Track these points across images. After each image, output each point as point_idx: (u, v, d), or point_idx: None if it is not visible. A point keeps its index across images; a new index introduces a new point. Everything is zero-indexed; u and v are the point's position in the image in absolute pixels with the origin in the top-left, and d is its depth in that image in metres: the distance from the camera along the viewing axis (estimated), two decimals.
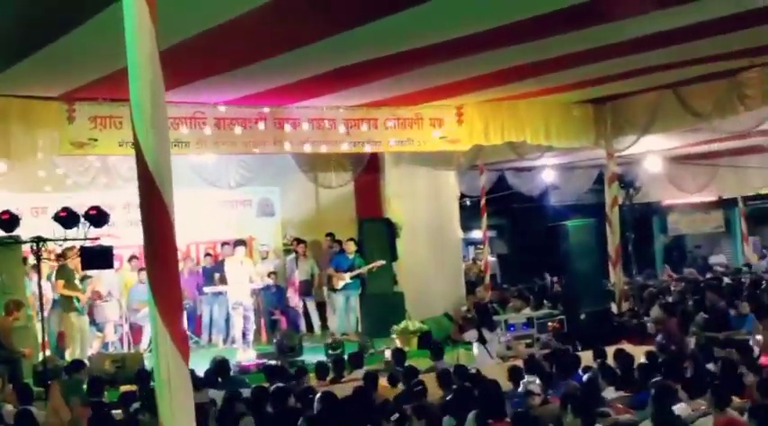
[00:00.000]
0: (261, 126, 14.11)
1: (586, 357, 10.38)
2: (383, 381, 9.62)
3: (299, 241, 16.74)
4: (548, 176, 20.12)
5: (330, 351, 12.76)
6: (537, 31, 10.19)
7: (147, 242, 3.29)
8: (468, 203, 20.09)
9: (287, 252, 17.11)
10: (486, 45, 10.71)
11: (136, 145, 3.33)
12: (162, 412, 3.21)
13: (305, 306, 16.47)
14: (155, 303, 3.24)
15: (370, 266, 15.71)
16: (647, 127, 15.34)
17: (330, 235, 16.77)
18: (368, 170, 17.20)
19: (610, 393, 8.70)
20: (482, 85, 13.45)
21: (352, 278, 15.70)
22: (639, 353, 10.36)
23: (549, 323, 13.97)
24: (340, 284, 15.72)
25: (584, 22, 9.99)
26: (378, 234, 16.60)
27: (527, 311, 15.10)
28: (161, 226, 3.28)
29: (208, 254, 16.31)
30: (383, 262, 15.77)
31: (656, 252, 25.56)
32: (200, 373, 10.18)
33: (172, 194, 3.32)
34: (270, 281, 15.92)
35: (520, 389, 8.62)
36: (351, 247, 16.00)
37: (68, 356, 13.21)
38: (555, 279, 18.69)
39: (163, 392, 3.23)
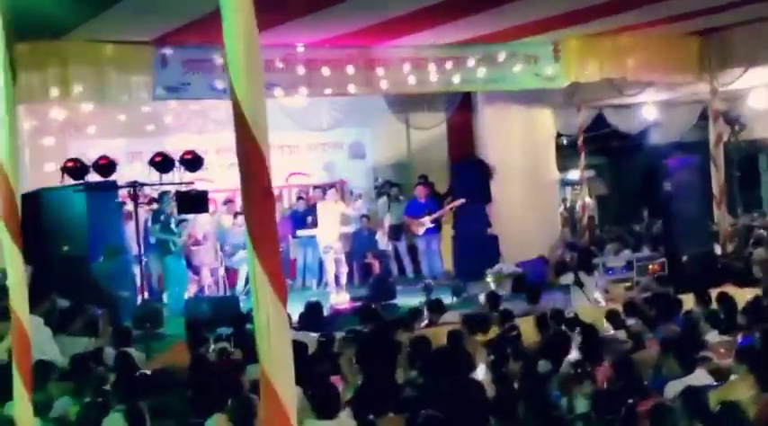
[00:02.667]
0: (351, 67, 14.12)
1: (688, 301, 10.25)
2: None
3: (391, 184, 16.81)
4: (648, 113, 19.67)
5: (423, 295, 12.89)
6: None
7: (244, 186, 3.38)
8: (564, 142, 19.82)
9: (379, 195, 17.22)
10: None
11: (231, 89, 3.39)
12: (261, 353, 3.33)
13: (395, 250, 16.58)
14: (252, 246, 3.33)
15: (450, 206, 15.62)
16: (753, 59, 14.86)
17: (423, 177, 16.75)
18: (460, 110, 17.09)
19: (713, 337, 8.61)
20: (579, 19, 13.21)
21: (431, 221, 15.64)
22: (744, 296, 10.18)
23: (650, 266, 13.81)
24: (420, 230, 15.66)
25: None
26: (470, 175, 16.53)
27: (626, 253, 14.94)
28: (257, 171, 3.35)
29: (300, 198, 16.54)
30: (461, 201, 15.62)
31: (762, 192, 24.85)
32: (295, 316, 10.43)
33: (267, 139, 3.39)
34: (361, 225, 16.07)
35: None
36: (422, 192, 15.90)
37: (166, 299, 13.67)
38: (655, 220, 18.36)
39: (262, 334, 3.33)
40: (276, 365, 3.28)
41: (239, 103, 3.42)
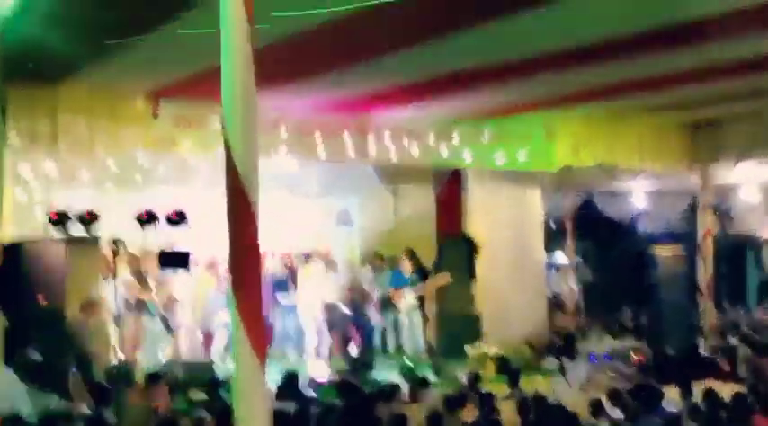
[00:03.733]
0: (344, 134, 14.14)
1: (671, 393, 10.12)
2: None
3: (376, 254, 16.71)
4: (638, 201, 19.76)
5: (403, 372, 12.67)
6: (637, 47, 10.04)
7: (233, 245, 3.30)
8: (552, 224, 19.83)
9: (363, 265, 17.08)
10: (582, 60, 10.59)
11: (225, 144, 3.35)
12: (238, 417, 3.21)
13: (382, 323, 16.38)
14: (235, 305, 3.24)
15: (431, 282, 15.50)
16: (744, 153, 14.98)
17: (409, 250, 16.63)
18: (450, 185, 17.12)
19: None
20: (573, 102, 13.30)
21: (413, 296, 15.51)
22: (728, 392, 10.07)
23: (634, 356, 13.68)
24: (402, 302, 15.53)
25: (692, 39, 9.80)
26: (457, 251, 16.44)
27: (611, 341, 14.81)
28: (246, 230, 3.30)
29: (284, 265, 16.37)
30: (446, 277, 15.52)
31: (748, 287, 24.84)
32: (272, 384, 10.21)
33: (258, 196, 3.33)
34: (344, 296, 15.90)
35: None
36: (407, 266, 15.81)
37: (141, 359, 13.40)
38: (640, 309, 18.26)
39: (239, 397, 3.22)
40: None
41: (233, 159, 3.37)
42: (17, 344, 9.91)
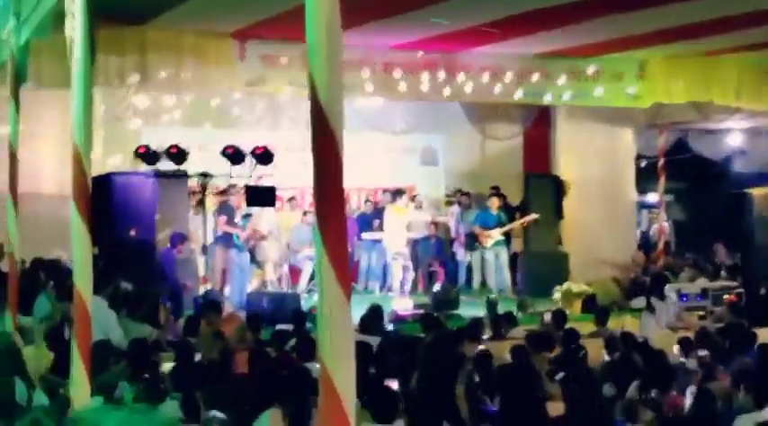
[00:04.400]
0: (430, 72, 14.13)
1: (764, 334, 9.99)
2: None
3: (462, 192, 16.73)
4: (734, 140, 19.28)
5: (488, 308, 12.77)
6: None
7: (317, 180, 3.40)
8: (644, 164, 19.53)
9: (448, 203, 17.14)
10: None
11: (310, 82, 3.42)
12: (322, 349, 3.34)
13: (468, 260, 16.46)
14: (321, 240, 3.34)
15: (522, 221, 15.47)
16: None
17: (495, 188, 16.64)
18: (538, 123, 17.00)
19: None
20: (668, 38, 13.03)
21: (502, 234, 15.52)
22: None
23: (725, 296, 13.50)
24: (489, 242, 15.54)
25: None
26: (544, 190, 16.36)
27: (702, 281, 14.61)
28: (331, 165, 3.38)
29: (368, 201, 16.55)
30: (535, 216, 15.49)
31: None
32: (356, 319, 10.41)
33: (342, 133, 3.41)
34: (429, 232, 16.03)
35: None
36: (495, 203, 15.73)
37: (227, 292, 13.77)
38: (729, 252, 17.93)
39: (324, 329, 3.34)
40: (336, 358, 3.30)
41: (318, 96, 3.45)
42: (108, 275, 10.27)
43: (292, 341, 8.97)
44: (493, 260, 15.54)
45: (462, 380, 7.60)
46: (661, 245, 18.47)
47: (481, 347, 9.16)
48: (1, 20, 8.99)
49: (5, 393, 6.45)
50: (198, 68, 12.87)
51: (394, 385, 7.16)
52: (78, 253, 6.18)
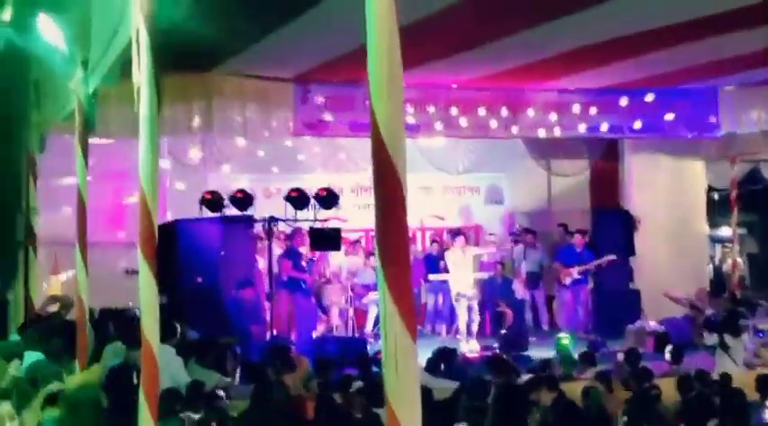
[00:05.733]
0: (493, 109, 14.16)
1: None
2: (616, 383, 9.40)
3: (527, 231, 16.65)
4: None
5: (558, 348, 12.62)
6: None
7: (379, 215, 3.42)
8: (716, 197, 19.24)
9: (515, 242, 17.07)
10: (748, 21, 10.25)
11: (372, 119, 3.46)
12: (388, 387, 3.34)
13: (533, 300, 16.36)
14: (384, 278, 3.36)
15: (600, 261, 15.34)
16: None
17: (563, 225, 16.55)
18: (605, 157, 16.87)
19: None
20: (740, 67, 12.87)
21: (580, 273, 15.42)
22: None
23: None
24: (567, 280, 15.47)
25: None
26: (613, 226, 16.20)
27: None
28: (394, 200, 3.40)
29: (435, 241, 16.53)
30: (613, 257, 15.35)
31: None
32: (423, 362, 10.35)
33: (405, 168, 3.43)
34: (495, 272, 15.94)
35: None
36: (579, 240, 15.69)
37: (293, 337, 13.83)
38: None
39: (390, 372, 3.34)
40: (402, 401, 3.29)
41: (380, 135, 3.48)
42: (175, 322, 10.37)
43: (359, 385, 8.95)
44: (571, 298, 15.45)
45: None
46: (735, 280, 18.11)
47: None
48: (68, 69, 9.23)
49: None
50: (261, 113, 13.09)
51: None
52: (145, 301, 6.26)
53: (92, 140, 9.46)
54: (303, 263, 14.12)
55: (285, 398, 8.32)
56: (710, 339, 12.54)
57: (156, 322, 6.26)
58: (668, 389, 9.12)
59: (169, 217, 13.48)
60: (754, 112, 14.82)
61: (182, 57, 10.51)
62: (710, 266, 19.24)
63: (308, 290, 14.12)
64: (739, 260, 19.23)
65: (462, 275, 14.15)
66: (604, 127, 14.73)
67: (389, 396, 3.37)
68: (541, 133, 14.71)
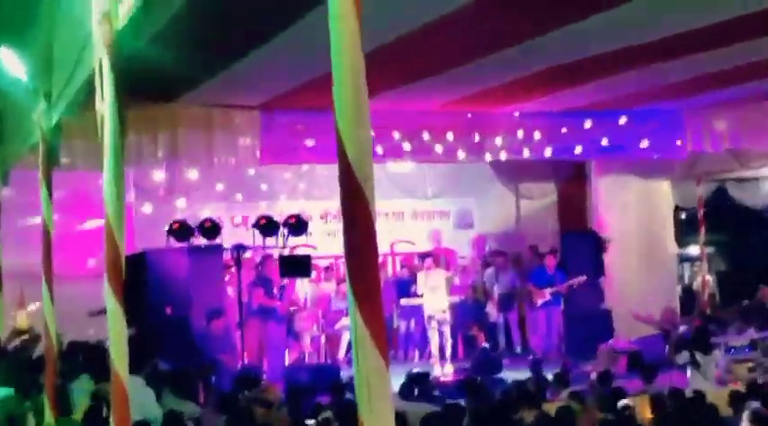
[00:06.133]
0: (461, 133, 14.23)
1: None
2: (590, 403, 9.43)
3: (498, 253, 16.71)
4: None
5: (532, 370, 12.64)
6: None
7: (349, 240, 3.41)
8: (683, 216, 19.42)
9: (486, 265, 17.12)
10: (713, 42, 10.40)
11: (339, 145, 3.46)
12: (361, 412, 3.32)
13: (506, 322, 16.38)
14: (355, 302, 3.35)
15: (572, 281, 15.42)
16: None
17: (533, 247, 16.64)
18: (572, 179, 17.03)
19: None
20: (705, 87, 13.03)
21: (552, 294, 15.50)
22: None
23: None
24: (540, 301, 15.54)
25: None
26: (582, 247, 16.31)
27: (750, 332, 14.41)
28: (363, 225, 3.40)
29: (404, 266, 16.56)
30: (585, 277, 15.44)
31: None
32: (396, 388, 10.33)
33: (373, 194, 3.43)
34: (467, 296, 15.96)
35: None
36: (551, 261, 15.79)
37: (266, 366, 13.75)
38: None
39: (362, 393, 3.33)
40: (376, 421, 3.28)
41: (347, 158, 3.49)
42: (145, 354, 10.30)
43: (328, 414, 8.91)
44: (544, 319, 15.52)
45: None
46: (705, 298, 18.26)
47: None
48: (31, 101, 9.18)
49: None
50: (227, 141, 13.06)
51: None
52: (114, 333, 6.19)
53: (56, 172, 9.40)
54: (275, 291, 14.07)
55: None
56: (682, 357, 12.64)
57: (125, 355, 6.19)
58: (642, 408, 9.17)
59: (136, 247, 13.38)
60: (719, 132, 14.99)
61: (146, 87, 10.51)
62: (680, 285, 19.37)
63: (281, 318, 14.06)
64: (708, 278, 19.40)
65: (435, 298, 14.15)
66: (571, 149, 14.82)
67: (363, 421, 3.35)
68: (508, 156, 14.77)
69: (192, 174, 15.02)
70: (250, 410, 9.00)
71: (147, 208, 15.00)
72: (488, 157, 14.85)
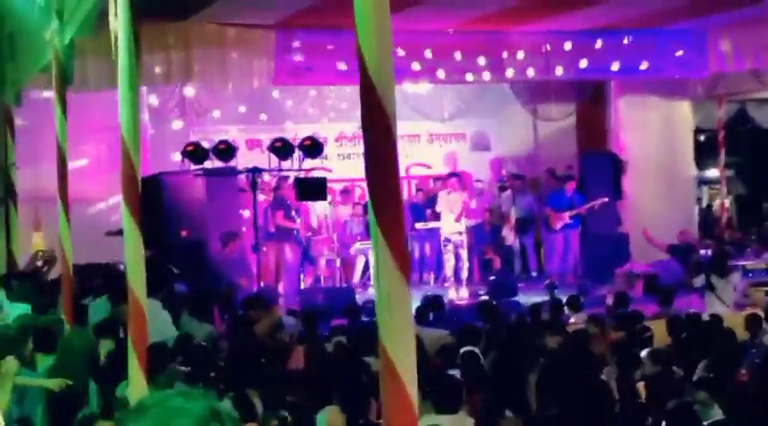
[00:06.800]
0: (478, 53, 14.03)
1: None
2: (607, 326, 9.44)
3: (516, 176, 16.63)
4: None
5: (548, 293, 12.68)
6: None
7: (370, 163, 3.38)
8: (703, 138, 19.25)
9: (502, 188, 17.05)
10: None
11: (360, 63, 3.41)
12: (381, 330, 3.33)
13: (522, 246, 16.35)
14: (376, 223, 3.33)
15: (593, 203, 15.31)
16: None
17: (550, 170, 16.53)
18: (592, 100, 16.83)
19: None
20: (727, 5, 12.79)
21: (571, 217, 15.43)
22: None
23: None
24: (558, 224, 15.47)
25: None
26: (601, 169, 16.18)
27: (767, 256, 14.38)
28: (384, 144, 3.37)
29: (420, 190, 16.50)
30: (606, 199, 15.35)
31: None
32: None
33: (395, 112, 3.39)
34: (483, 219, 15.94)
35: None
36: (569, 185, 15.69)
37: (281, 288, 13.82)
38: None
39: (383, 313, 3.33)
40: (397, 342, 3.28)
41: (370, 79, 3.43)
42: (162, 276, 10.35)
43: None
44: (562, 243, 15.47)
45: (537, 371, 7.53)
46: (723, 222, 18.20)
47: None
48: (43, 20, 9.08)
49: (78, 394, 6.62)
50: (242, 62, 12.93)
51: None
52: (130, 255, 6.22)
53: (70, 93, 9.33)
54: (293, 213, 14.05)
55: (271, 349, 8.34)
56: (699, 281, 12.62)
57: (142, 277, 6.22)
58: (659, 332, 9.20)
59: (151, 170, 13.36)
60: (740, 51, 14.75)
61: (159, 6, 10.37)
62: (698, 208, 19.30)
63: (299, 240, 14.08)
64: (726, 201, 19.30)
65: (452, 222, 14.12)
66: (590, 69, 14.59)
67: (383, 340, 3.36)
68: (527, 76, 14.59)
69: (206, 95, 14.88)
70: (249, 331, 9.08)
71: (162, 130, 14.91)
72: (506, 77, 14.63)
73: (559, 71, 14.49)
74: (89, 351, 7.75)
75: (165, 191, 12.56)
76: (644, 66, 14.69)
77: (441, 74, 14.03)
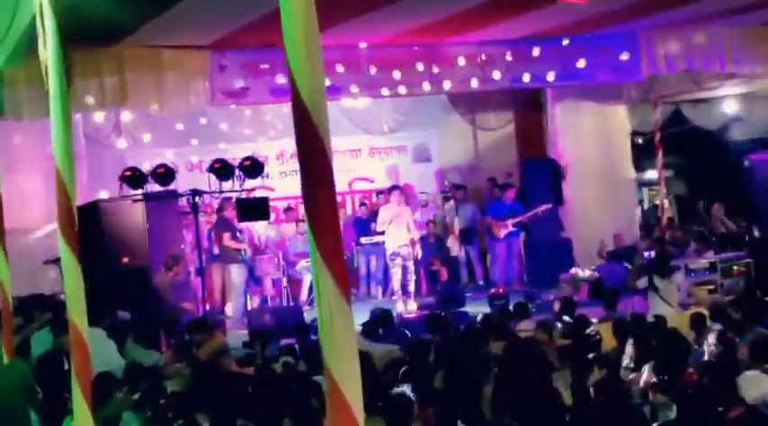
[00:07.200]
0: (414, 66, 14.08)
1: None
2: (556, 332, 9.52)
3: (457, 187, 16.73)
4: (729, 107, 19.28)
5: (494, 302, 12.76)
6: None
7: (305, 181, 3.38)
8: (640, 141, 19.53)
9: (445, 199, 17.15)
10: None
11: (291, 83, 3.40)
12: (326, 353, 3.32)
13: (467, 255, 16.47)
14: (314, 242, 3.33)
15: (536, 210, 15.47)
16: None
17: (491, 179, 16.69)
18: (529, 108, 17.01)
19: None
20: (656, 9, 12.99)
21: (514, 225, 15.57)
22: None
23: (735, 268, 13.50)
24: (501, 232, 15.61)
25: None
26: (541, 176, 16.37)
27: (709, 254, 14.62)
28: (319, 164, 3.36)
29: (363, 204, 16.54)
30: (549, 206, 15.53)
31: None
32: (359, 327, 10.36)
33: (328, 132, 3.39)
34: (428, 231, 16.02)
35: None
36: (509, 193, 15.85)
37: (229, 310, 13.75)
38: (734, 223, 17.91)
39: (325, 333, 3.33)
40: (340, 363, 3.29)
41: (301, 97, 3.42)
42: (105, 305, 10.22)
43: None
44: (505, 251, 15.60)
45: (491, 382, 7.55)
46: (664, 222, 18.47)
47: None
48: None
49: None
50: (178, 84, 12.81)
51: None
52: (70, 285, 6.12)
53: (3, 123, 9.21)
54: (238, 234, 14.00)
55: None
56: (642, 282, 12.78)
57: (82, 307, 6.12)
58: (605, 334, 9.31)
59: (88, 197, 13.20)
60: (673, 53, 15.00)
61: (90, 30, 10.26)
62: (639, 208, 19.57)
63: (246, 260, 14.03)
64: (666, 201, 19.58)
65: (398, 233, 14.13)
66: (526, 77, 14.70)
67: (327, 361, 3.35)
68: (463, 87, 14.68)
69: (142, 119, 14.75)
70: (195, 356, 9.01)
71: (98, 157, 14.72)
72: (443, 89, 14.67)
73: (495, 81, 14.55)
74: (26, 386, 7.56)
75: (104, 219, 12.39)
76: (580, 69, 14.81)
77: (378, 88, 14.03)
